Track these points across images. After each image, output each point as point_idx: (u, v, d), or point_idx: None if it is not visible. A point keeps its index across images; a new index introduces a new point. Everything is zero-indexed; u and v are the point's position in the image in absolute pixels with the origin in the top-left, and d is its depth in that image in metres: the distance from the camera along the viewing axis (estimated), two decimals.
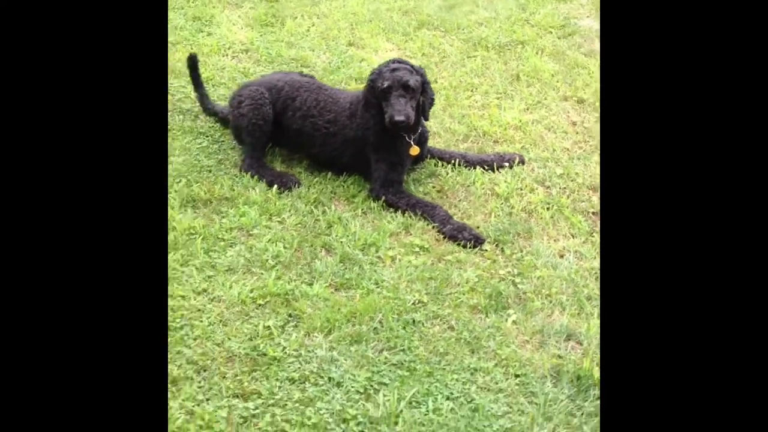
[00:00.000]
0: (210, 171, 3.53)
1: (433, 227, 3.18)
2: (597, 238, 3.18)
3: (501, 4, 5.93)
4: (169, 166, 3.50)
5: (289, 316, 2.67)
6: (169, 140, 3.72)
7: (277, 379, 2.40)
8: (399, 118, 3.16)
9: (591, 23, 5.82)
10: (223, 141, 3.79)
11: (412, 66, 3.27)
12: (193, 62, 3.80)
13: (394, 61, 3.29)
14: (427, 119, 3.42)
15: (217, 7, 5.30)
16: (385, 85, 3.21)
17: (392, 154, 3.33)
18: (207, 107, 3.89)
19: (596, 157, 3.83)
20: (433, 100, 3.37)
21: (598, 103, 4.44)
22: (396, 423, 2.27)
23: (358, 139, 3.37)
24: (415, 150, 3.37)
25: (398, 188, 3.31)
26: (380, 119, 3.28)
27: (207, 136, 3.82)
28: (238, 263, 2.91)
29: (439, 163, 3.65)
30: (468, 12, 5.75)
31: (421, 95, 3.29)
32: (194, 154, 3.63)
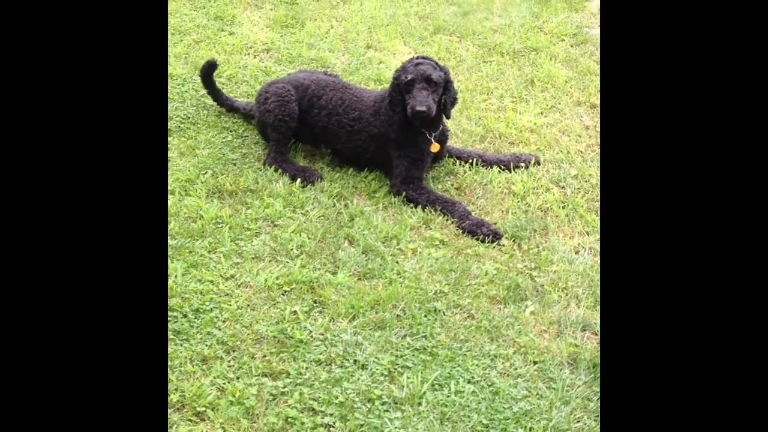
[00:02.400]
0: (234, 164, 3.63)
1: (452, 223, 3.28)
2: None
3: (515, 12, 6.04)
4: (195, 159, 3.61)
5: (314, 302, 2.77)
6: (195, 134, 3.83)
7: (304, 360, 2.50)
8: (420, 108, 3.26)
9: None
10: (246, 136, 3.89)
11: (436, 63, 3.37)
12: (210, 68, 3.90)
13: (418, 57, 3.41)
14: (449, 118, 3.52)
15: (239, 8, 5.42)
16: (408, 78, 3.31)
17: (414, 150, 3.43)
18: (227, 104, 3.99)
19: None
20: (455, 99, 3.47)
21: None
22: (419, 404, 2.36)
23: (381, 136, 3.47)
24: (435, 147, 3.47)
25: (419, 184, 3.41)
26: (404, 116, 3.38)
27: (231, 131, 3.92)
28: (264, 251, 3.01)
29: (457, 162, 3.75)
30: (482, 19, 5.86)
31: (444, 93, 3.39)
32: (219, 148, 3.73)
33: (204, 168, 3.54)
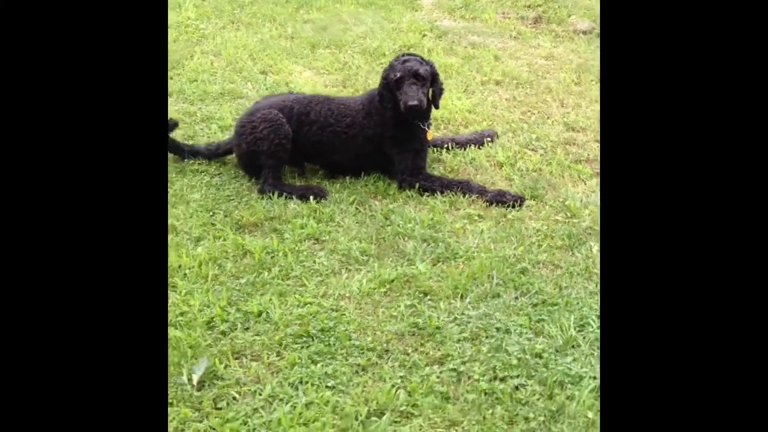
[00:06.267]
0: (232, 200, 3.53)
1: (475, 199, 3.48)
2: None
3: (368, 20, 6.34)
4: (194, 203, 3.46)
5: (418, 293, 2.84)
6: (170, 184, 3.66)
7: (454, 341, 2.58)
8: (413, 102, 3.43)
9: (451, 23, 6.43)
10: (220, 173, 3.79)
11: (422, 58, 3.55)
12: (171, 129, 3.77)
13: (404, 54, 3.57)
14: (437, 108, 3.72)
15: None
16: (397, 76, 3.46)
17: (413, 142, 3.58)
18: (190, 151, 3.85)
19: (552, 120, 4.36)
20: (442, 89, 3.67)
21: (514, 81, 5.00)
22: (578, 345, 2.56)
23: (377, 136, 3.58)
24: (430, 134, 3.66)
25: (426, 174, 3.57)
26: (396, 112, 3.52)
27: (202, 173, 3.79)
28: (334, 265, 3.01)
29: (435, 150, 3.95)
30: (343, 30, 6.10)
31: (432, 86, 3.59)
32: (206, 189, 3.60)
33: (208, 209, 3.41)
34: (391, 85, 3.50)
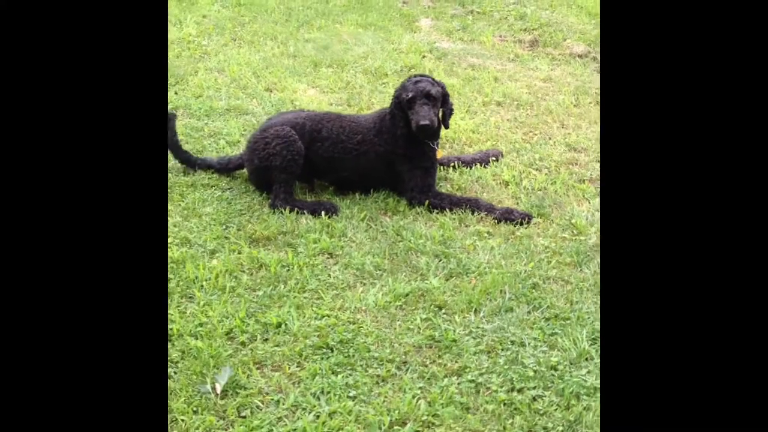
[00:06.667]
0: (244, 214, 3.58)
1: (483, 216, 3.55)
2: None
3: (368, 41, 6.45)
4: (206, 218, 3.51)
5: (433, 306, 2.90)
6: (181, 198, 3.70)
7: (471, 354, 2.63)
8: (424, 122, 3.52)
9: (450, 45, 6.55)
10: (231, 188, 3.84)
11: (433, 79, 3.64)
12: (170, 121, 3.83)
13: (416, 75, 3.65)
14: (447, 127, 3.80)
15: None
16: (409, 96, 3.55)
17: (424, 160, 3.66)
18: (198, 162, 3.91)
19: (553, 140, 4.46)
20: (452, 110, 3.76)
21: (515, 103, 5.10)
22: (590, 358, 2.62)
23: (388, 153, 3.66)
24: (440, 153, 3.74)
25: (435, 191, 3.64)
26: (407, 131, 3.60)
27: (213, 187, 3.84)
28: (348, 279, 3.06)
29: (441, 168, 4.03)
30: (344, 50, 6.19)
31: (442, 106, 3.67)
32: (217, 203, 3.65)
33: (221, 223, 3.46)
34: (403, 104, 3.59)
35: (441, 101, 3.65)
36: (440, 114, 3.70)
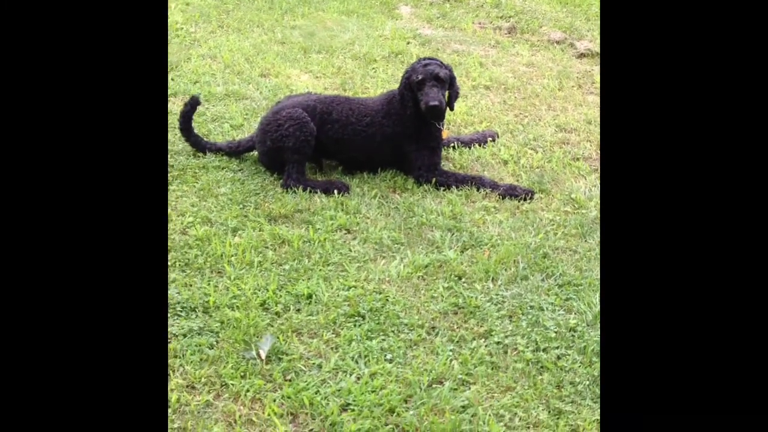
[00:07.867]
0: (258, 194, 3.70)
1: (488, 192, 3.73)
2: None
3: (352, 27, 6.57)
4: (222, 198, 3.62)
5: (453, 276, 3.07)
6: (194, 179, 3.80)
7: (494, 318, 2.81)
8: (434, 103, 3.68)
9: (432, 32, 6.71)
10: (242, 169, 3.95)
11: (441, 62, 3.80)
12: (192, 107, 3.93)
13: (425, 58, 3.81)
14: (452, 109, 3.97)
15: None
16: (419, 78, 3.71)
17: (431, 140, 3.82)
18: (208, 146, 4.01)
19: (543, 122, 4.66)
20: (458, 93, 3.93)
21: (502, 86, 5.30)
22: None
23: (396, 134, 3.81)
24: (445, 133, 3.91)
25: (441, 169, 3.81)
26: (415, 111, 3.76)
27: (224, 169, 3.94)
28: (369, 252, 3.22)
29: (443, 148, 4.19)
30: (330, 36, 6.30)
31: (449, 88, 3.84)
32: (232, 183, 3.76)
33: (238, 202, 3.58)
34: (412, 86, 3.74)
35: (449, 83, 3.81)
36: (446, 96, 3.87)
